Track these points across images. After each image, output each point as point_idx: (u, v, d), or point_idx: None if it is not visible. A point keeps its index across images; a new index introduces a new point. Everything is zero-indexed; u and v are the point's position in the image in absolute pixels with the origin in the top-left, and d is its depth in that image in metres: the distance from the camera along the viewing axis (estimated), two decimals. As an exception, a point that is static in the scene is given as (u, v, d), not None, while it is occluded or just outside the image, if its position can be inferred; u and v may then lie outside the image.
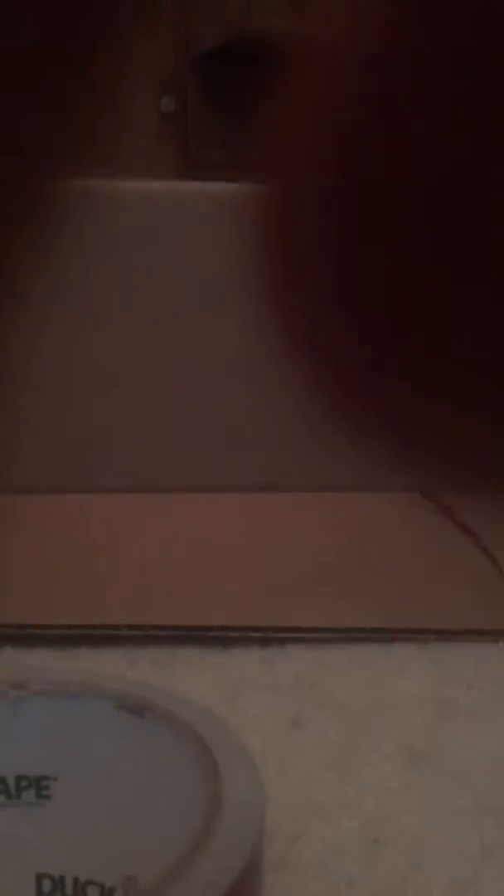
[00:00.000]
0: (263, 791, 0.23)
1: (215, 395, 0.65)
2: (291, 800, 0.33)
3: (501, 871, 0.30)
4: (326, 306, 0.13)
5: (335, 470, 0.67)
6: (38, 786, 0.26)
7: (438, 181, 0.11)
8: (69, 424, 0.64)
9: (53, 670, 0.28)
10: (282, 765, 0.35)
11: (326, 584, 0.51)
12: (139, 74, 1.77)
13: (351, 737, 0.38)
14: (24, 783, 0.26)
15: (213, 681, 0.42)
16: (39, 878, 0.26)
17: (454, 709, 0.40)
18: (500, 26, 0.09)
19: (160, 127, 1.80)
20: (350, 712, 0.39)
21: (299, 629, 0.46)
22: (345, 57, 0.11)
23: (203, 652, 0.44)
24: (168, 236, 0.63)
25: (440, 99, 0.10)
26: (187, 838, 0.21)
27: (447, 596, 0.51)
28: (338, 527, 0.60)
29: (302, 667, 0.43)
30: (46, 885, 0.26)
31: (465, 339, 0.12)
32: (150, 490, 0.64)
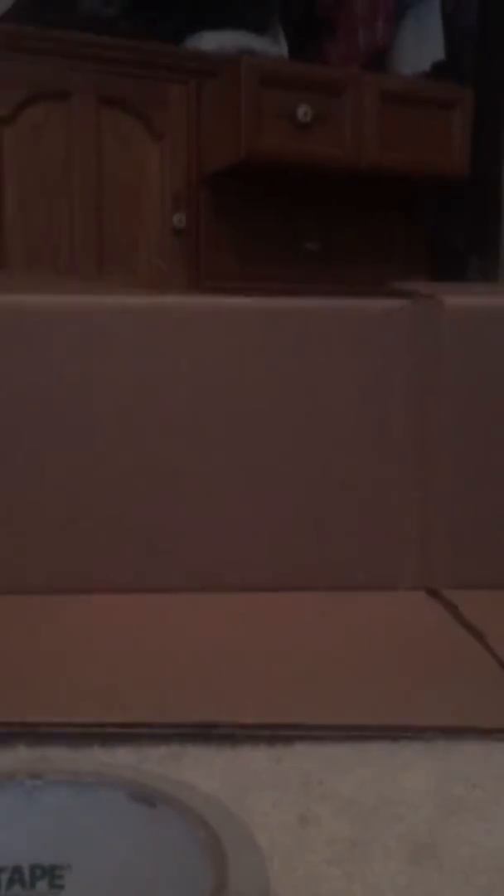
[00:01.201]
0: (268, 879, 0.24)
1: (222, 496, 0.67)
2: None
3: None
4: None
5: (341, 569, 0.68)
6: (52, 875, 0.27)
7: None
8: (76, 526, 0.66)
9: (68, 760, 0.29)
10: (289, 861, 0.36)
11: (333, 682, 0.52)
12: (154, 192, 1.86)
13: (357, 833, 0.38)
14: (38, 872, 0.27)
15: (222, 778, 0.42)
16: None
17: (459, 806, 0.41)
18: None
19: (173, 241, 1.88)
20: (356, 809, 0.40)
21: (306, 727, 0.46)
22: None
23: (211, 749, 0.45)
24: (176, 346, 0.67)
25: None
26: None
27: (452, 694, 0.51)
28: (344, 625, 0.62)
29: (309, 764, 0.44)
30: None
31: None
32: (160, 590, 0.65)
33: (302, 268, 1.96)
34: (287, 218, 1.97)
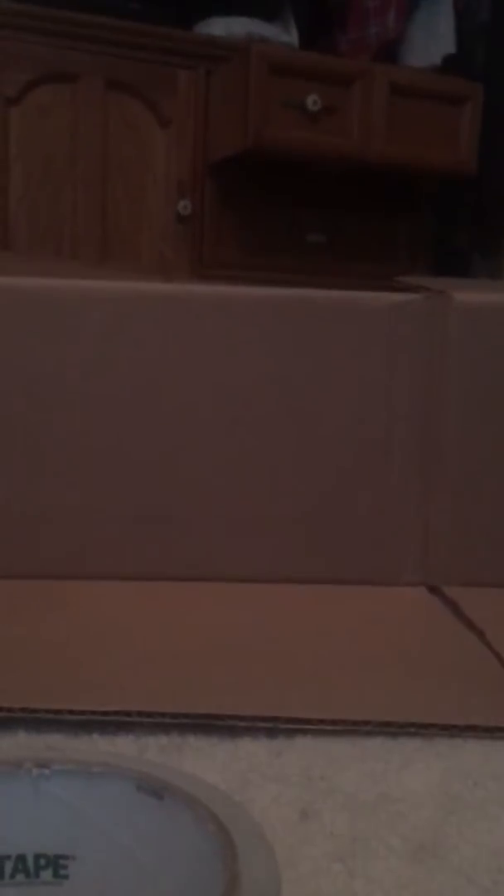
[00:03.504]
0: (279, 870, 0.24)
1: (226, 487, 0.67)
2: (300, 892, 0.34)
3: None
4: None
5: (342, 563, 0.68)
6: (56, 865, 0.27)
7: None
8: (80, 512, 0.66)
9: (76, 750, 0.29)
10: (290, 856, 0.36)
11: (334, 677, 0.52)
12: (159, 178, 1.85)
13: (358, 830, 0.38)
14: (42, 861, 0.27)
15: (222, 770, 0.42)
16: None
17: (460, 804, 0.40)
18: None
19: (177, 228, 1.87)
20: (357, 805, 0.40)
21: (307, 720, 0.46)
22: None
23: (212, 741, 0.45)
24: (180, 335, 0.66)
25: None
26: (204, 918, 0.22)
27: (453, 691, 0.51)
28: (345, 620, 0.61)
29: (310, 758, 0.44)
30: None
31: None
32: (163, 579, 0.65)
33: (305, 260, 1.96)
34: (291, 209, 1.96)
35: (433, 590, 0.67)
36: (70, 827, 0.27)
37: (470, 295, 0.70)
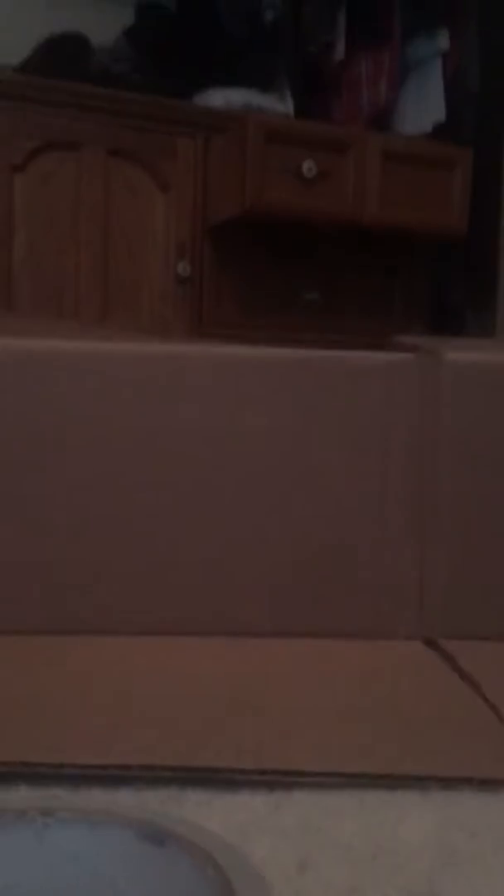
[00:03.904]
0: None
1: (222, 541, 0.68)
2: (298, 943, 0.34)
3: None
4: None
5: (339, 617, 0.69)
6: (61, 913, 0.28)
7: None
8: (77, 568, 0.67)
9: (78, 799, 0.30)
10: (288, 908, 0.36)
11: (331, 730, 0.53)
12: (159, 241, 1.90)
13: (356, 881, 0.38)
14: (46, 909, 0.28)
15: (221, 822, 0.43)
16: None
17: (457, 856, 0.41)
18: None
19: (176, 289, 1.91)
20: (355, 857, 0.40)
21: (305, 773, 0.47)
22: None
23: (211, 794, 0.45)
24: (177, 393, 0.68)
25: None
26: None
27: (450, 744, 0.52)
28: (343, 673, 0.62)
29: (308, 811, 0.44)
30: None
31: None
32: (160, 633, 0.66)
33: (301, 318, 1.99)
34: (288, 269, 2.01)
35: (430, 643, 0.68)
36: (73, 874, 0.28)
37: (461, 354, 0.72)
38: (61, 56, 1.84)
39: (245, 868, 0.26)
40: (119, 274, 1.86)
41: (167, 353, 0.71)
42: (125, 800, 0.44)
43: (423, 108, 2.06)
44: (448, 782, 0.47)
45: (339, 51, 2.00)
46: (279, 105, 1.98)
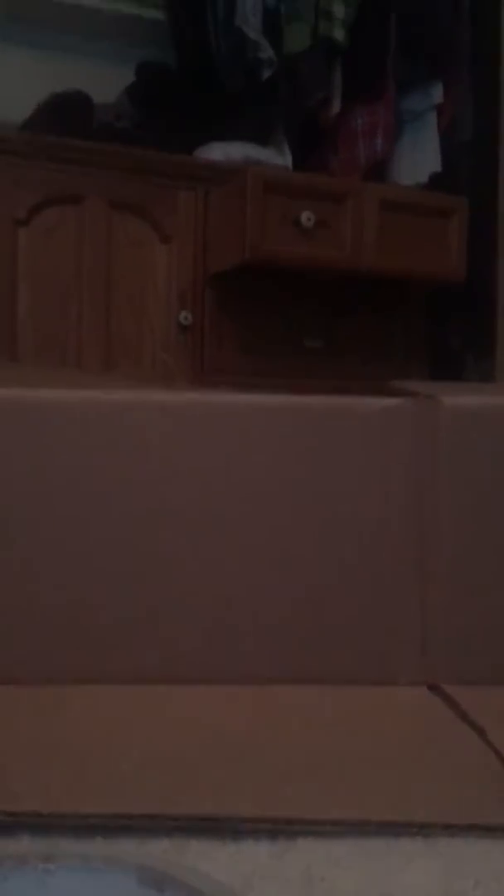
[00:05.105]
0: None
1: (220, 588, 0.68)
2: None
3: None
4: None
5: (341, 664, 0.69)
6: None
7: None
8: (77, 618, 0.67)
9: (80, 848, 0.30)
10: None
11: (334, 777, 0.52)
12: (161, 291, 1.93)
13: (360, 931, 0.38)
14: None
15: (225, 871, 0.42)
16: None
17: (461, 904, 0.41)
18: None
19: (178, 337, 1.94)
20: (359, 906, 0.40)
21: (308, 821, 0.46)
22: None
23: (214, 842, 0.45)
24: (176, 440, 0.69)
25: None
26: None
27: (453, 790, 0.52)
28: (345, 719, 0.62)
29: (311, 859, 0.44)
30: None
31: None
32: (159, 682, 0.66)
33: (303, 364, 2.01)
34: (289, 316, 2.03)
35: (433, 688, 0.67)
36: (74, 922, 0.28)
37: (459, 399, 0.73)
38: (64, 113, 1.89)
39: (245, 913, 0.26)
40: (121, 323, 1.89)
41: (165, 401, 0.71)
42: (127, 849, 0.44)
43: (419, 159, 2.11)
44: (452, 829, 0.47)
45: (335, 105, 2.04)
46: (278, 158, 2.02)
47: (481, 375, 2.14)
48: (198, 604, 0.67)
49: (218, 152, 1.98)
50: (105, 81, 2.00)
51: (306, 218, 1.87)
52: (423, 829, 0.47)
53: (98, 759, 0.54)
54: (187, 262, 1.94)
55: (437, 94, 2.11)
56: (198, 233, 1.94)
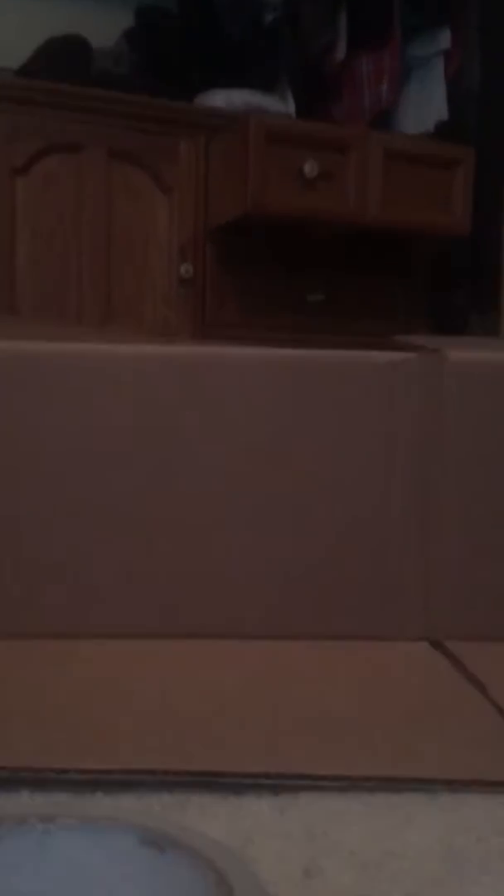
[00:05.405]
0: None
1: (225, 544, 0.67)
2: None
3: None
4: None
5: (343, 619, 0.68)
6: (62, 921, 0.27)
7: None
8: (79, 571, 0.66)
9: (77, 805, 0.29)
10: (294, 914, 0.36)
11: (336, 733, 0.52)
12: (161, 243, 1.90)
13: (362, 887, 0.38)
14: (48, 919, 0.27)
15: (226, 827, 0.42)
16: None
17: (464, 860, 0.40)
18: None
19: (179, 291, 1.91)
20: (361, 862, 0.40)
21: (311, 777, 0.46)
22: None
23: (216, 798, 0.45)
24: (177, 394, 0.68)
25: None
26: None
27: (456, 746, 0.51)
28: (347, 676, 0.62)
29: (313, 815, 0.44)
30: None
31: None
32: (162, 636, 0.65)
33: (304, 319, 1.99)
34: (290, 270, 2.01)
35: (435, 644, 0.67)
36: (75, 880, 0.27)
37: (465, 353, 0.71)
38: (61, 59, 1.84)
39: (246, 875, 0.25)
40: (121, 277, 1.86)
41: (167, 354, 0.70)
42: (129, 805, 0.44)
43: (425, 107, 2.06)
44: (454, 785, 0.47)
45: (340, 51, 1.99)
46: (280, 105, 1.98)
47: (485, 331, 2.12)
48: (198, 559, 0.67)
49: (219, 99, 1.93)
50: (103, 25, 1.95)
51: (309, 168, 1.83)
52: (425, 785, 0.46)
53: (98, 714, 0.53)
54: (188, 214, 1.90)
55: (445, 39, 2.06)
56: (199, 184, 1.91)
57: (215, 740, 0.50)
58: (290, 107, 1.99)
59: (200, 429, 0.67)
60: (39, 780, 0.45)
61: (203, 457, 0.67)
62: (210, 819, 0.43)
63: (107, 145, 1.83)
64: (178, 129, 1.89)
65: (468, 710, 0.56)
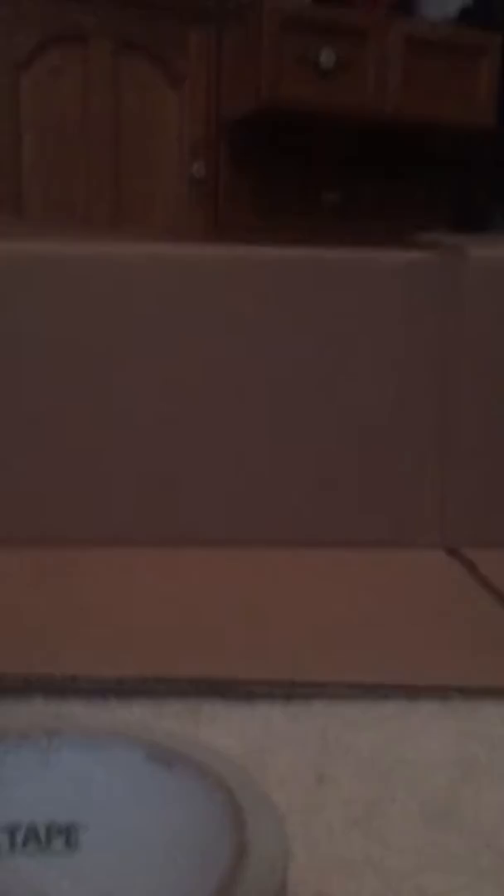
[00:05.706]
0: (287, 841, 0.24)
1: (239, 450, 0.66)
2: (316, 856, 0.34)
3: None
4: None
5: (360, 526, 0.68)
6: (68, 834, 0.27)
7: None
8: (90, 478, 0.65)
9: (85, 716, 0.28)
10: (306, 821, 0.36)
11: (350, 640, 0.52)
12: (172, 140, 1.83)
13: (375, 794, 0.38)
14: (54, 831, 0.27)
15: (239, 735, 0.42)
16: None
17: (476, 767, 0.40)
18: None
19: (191, 191, 1.85)
20: (374, 769, 0.40)
21: (323, 684, 0.46)
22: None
23: (228, 706, 0.45)
24: (187, 297, 0.65)
25: None
26: (213, 887, 0.22)
27: (471, 653, 0.51)
28: (362, 583, 0.61)
29: (326, 722, 0.43)
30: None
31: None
32: (174, 544, 0.65)
33: (321, 219, 1.93)
34: (307, 168, 1.93)
35: (451, 552, 0.66)
36: (80, 797, 0.27)
37: (486, 250, 0.68)
38: None
39: (254, 792, 0.25)
40: (130, 176, 1.80)
41: (180, 254, 0.67)
42: (141, 712, 0.44)
43: (449, -11, 1.94)
44: (469, 692, 0.46)
45: None
46: (295, -11, 1.86)
47: (508, 230, 2.04)
48: (211, 463, 0.66)
49: (231, -17, 1.82)
50: None
51: (326, 57, 1.74)
52: (439, 693, 0.46)
53: (111, 622, 0.53)
54: (200, 109, 1.83)
55: None
56: (210, 76, 1.82)
57: (227, 647, 0.50)
58: (306, -9, 1.88)
59: (212, 331, 0.65)
60: (52, 688, 0.45)
61: (214, 360, 0.65)
62: (222, 727, 0.43)
63: (113, 36, 1.74)
64: (188, 17, 1.79)
65: (484, 618, 0.56)
